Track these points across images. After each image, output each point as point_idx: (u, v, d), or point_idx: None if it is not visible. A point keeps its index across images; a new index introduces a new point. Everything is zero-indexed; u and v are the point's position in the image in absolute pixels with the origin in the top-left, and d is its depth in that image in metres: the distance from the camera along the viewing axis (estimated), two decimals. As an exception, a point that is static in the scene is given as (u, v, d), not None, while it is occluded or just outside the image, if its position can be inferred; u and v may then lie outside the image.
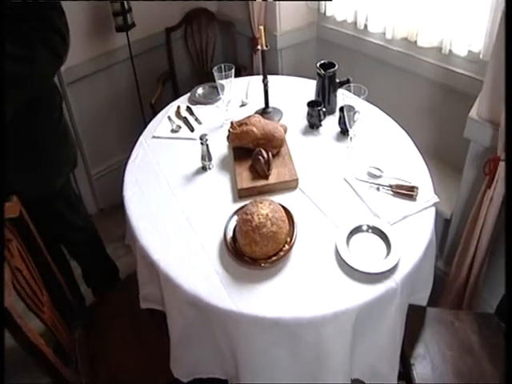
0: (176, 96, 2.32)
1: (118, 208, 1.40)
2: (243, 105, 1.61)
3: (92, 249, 1.67)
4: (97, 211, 2.42)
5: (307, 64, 2.00)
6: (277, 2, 2.00)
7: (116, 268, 1.81)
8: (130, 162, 1.43)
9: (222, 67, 1.48)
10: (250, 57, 2.17)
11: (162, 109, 1.73)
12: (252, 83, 1.73)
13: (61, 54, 1.19)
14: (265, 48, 1.46)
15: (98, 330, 1.34)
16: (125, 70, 2.24)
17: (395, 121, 1.47)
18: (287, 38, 2.12)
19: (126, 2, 1.99)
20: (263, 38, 1.46)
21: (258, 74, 2.03)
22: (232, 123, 1.33)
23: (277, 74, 2.08)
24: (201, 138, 1.29)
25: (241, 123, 1.32)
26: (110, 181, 2.28)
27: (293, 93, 1.65)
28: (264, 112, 1.50)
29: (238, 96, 1.64)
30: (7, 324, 0.89)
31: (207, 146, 1.30)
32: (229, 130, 1.33)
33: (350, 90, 1.21)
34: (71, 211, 1.50)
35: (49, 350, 1.00)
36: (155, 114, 2.04)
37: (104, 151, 2.33)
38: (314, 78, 1.52)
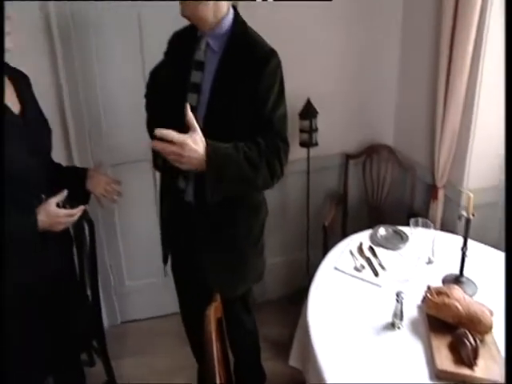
0: (345, 221, 2.46)
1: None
2: (430, 262, 1.60)
3: (251, 350, 1.74)
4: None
5: (490, 229, 1.94)
6: (468, 154, 1.97)
7: (264, 375, 1.84)
8: (312, 288, 1.50)
9: (419, 221, 1.52)
10: (426, 203, 2.20)
11: (332, 231, 1.79)
12: (437, 239, 1.73)
13: (274, 181, 1.36)
14: (471, 217, 1.47)
15: None
16: (298, 182, 2.43)
17: None
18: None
19: (313, 122, 2.23)
20: (471, 207, 1.48)
21: (434, 223, 2.03)
22: (429, 288, 1.33)
23: (453, 231, 2.03)
24: (397, 295, 1.30)
25: (440, 291, 1.30)
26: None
27: (485, 264, 1.60)
28: (457, 281, 1.47)
29: (420, 247, 1.65)
30: None
31: (402, 303, 1.30)
32: (426, 295, 1.32)
33: None
34: (246, 314, 1.59)
35: None
36: (326, 235, 2.15)
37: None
38: (499, 248, 1.47)
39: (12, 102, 1.27)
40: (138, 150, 2.13)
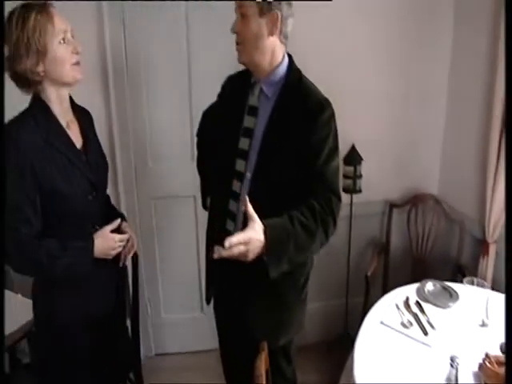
0: (387, 271, 2.38)
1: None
2: (483, 325, 1.50)
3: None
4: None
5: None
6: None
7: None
8: (358, 341, 1.44)
9: (475, 281, 1.44)
10: (475, 258, 2.10)
11: (373, 280, 1.72)
12: (491, 299, 1.63)
13: (329, 238, 1.32)
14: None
15: None
16: (340, 228, 2.30)
17: None
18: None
19: (358, 168, 2.21)
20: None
21: (484, 279, 1.93)
22: (488, 356, 1.24)
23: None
24: (451, 360, 1.23)
25: (499, 361, 1.21)
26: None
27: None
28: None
29: (473, 307, 1.56)
30: None
31: (457, 369, 1.22)
32: (484, 363, 1.23)
33: None
34: (287, 363, 1.53)
35: None
36: (368, 285, 2.09)
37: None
38: None
39: (76, 138, 1.33)
40: (182, 185, 2.21)
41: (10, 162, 1.17)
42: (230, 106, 1.45)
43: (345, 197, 2.26)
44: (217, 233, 1.45)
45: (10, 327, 1.59)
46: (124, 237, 1.38)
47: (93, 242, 1.29)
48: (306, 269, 1.48)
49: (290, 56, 1.39)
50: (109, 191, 1.64)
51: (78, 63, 1.25)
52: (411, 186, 2.42)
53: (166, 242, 2.32)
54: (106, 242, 1.32)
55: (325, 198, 1.29)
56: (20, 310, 1.63)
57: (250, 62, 1.33)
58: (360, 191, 2.25)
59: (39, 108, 1.24)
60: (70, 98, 1.34)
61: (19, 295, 1.84)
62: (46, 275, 1.29)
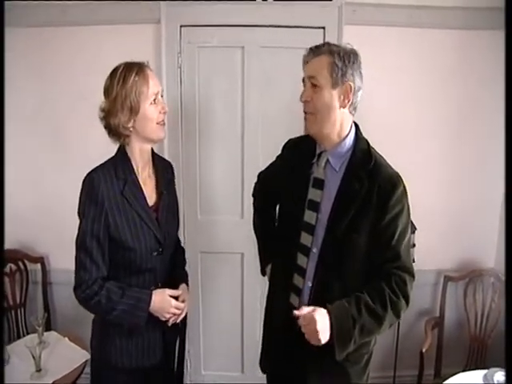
0: (440, 348, 2.20)
1: None
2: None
3: None
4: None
5: None
6: None
7: None
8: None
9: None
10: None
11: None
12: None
13: (400, 318, 1.26)
14: None
15: None
16: None
17: None
18: None
19: (411, 238, 2.11)
20: None
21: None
22: None
23: None
24: None
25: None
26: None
27: None
28: None
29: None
30: None
31: None
32: None
33: None
34: None
35: None
36: (422, 361, 1.94)
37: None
38: None
39: (150, 193, 1.38)
40: (230, 241, 2.22)
41: (89, 204, 1.26)
42: (293, 174, 1.39)
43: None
44: (279, 305, 1.42)
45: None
46: (180, 305, 1.38)
47: (151, 296, 1.31)
48: (370, 345, 1.38)
49: (356, 125, 1.35)
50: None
51: (163, 122, 1.34)
52: (468, 258, 2.30)
53: (211, 298, 2.32)
54: (163, 303, 1.33)
55: (398, 277, 1.23)
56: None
57: (319, 133, 1.30)
58: (413, 261, 2.14)
59: (122, 160, 1.33)
60: (152, 150, 1.41)
61: (66, 339, 1.92)
62: (103, 316, 1.33)
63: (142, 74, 1.28)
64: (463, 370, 1.73)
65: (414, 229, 2.12)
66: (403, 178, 1.17)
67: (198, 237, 2.25)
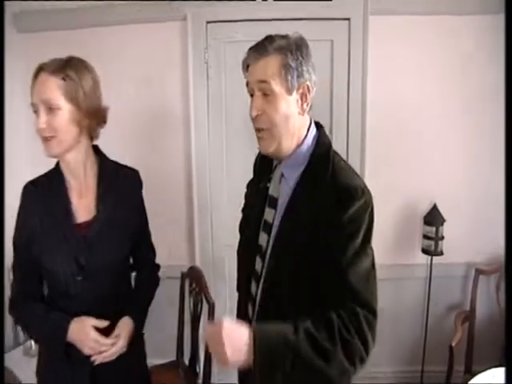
0: (471, 341, 2.14)
1: None
2: None
3: None
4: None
5: None
6: None
7: None
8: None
9: None
10: None
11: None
12: None
13: (357, 365, 0.95)
14: None
15: None
16: (416, 289, 2.28)
17: None
18: None
19: (440, 229, 2.09)
20: None
21: None
22: None
23: None
24: None
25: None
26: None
27: None
28: None
29: None
30: None
31: None
32: None
33: None
34: None
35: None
36: (452, 357, 1.90)
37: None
38: None
39: (85, 210, 1.19)
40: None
41: (21, 218, 1.19)
42: (256, 194, 1.22)
43: (424, 258, 2.20)
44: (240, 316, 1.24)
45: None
46: (102, 341, 1.15)
47: (68, 323, 1.14)
48: None
49: (317, 125, 1.11)
50: (161, 260, 1.45)
51: (45, 138, 1.11)
52: (498, 247, 2.23)
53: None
54: (80, 333, 1.13)
55: (350, 310, 0.95)
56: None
57: (277, 150, 1.06)
58: (441, 254, 2.13)
59: (56, 170, 1.21)
60: (108, 159, 1.26)
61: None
62: (30, 336, 1.26)
63: (35, 79, 1.11)
64: (495, 367, 1.69)
65: (442, 220, 2.10)
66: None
67: (223, 230, 2.28)
